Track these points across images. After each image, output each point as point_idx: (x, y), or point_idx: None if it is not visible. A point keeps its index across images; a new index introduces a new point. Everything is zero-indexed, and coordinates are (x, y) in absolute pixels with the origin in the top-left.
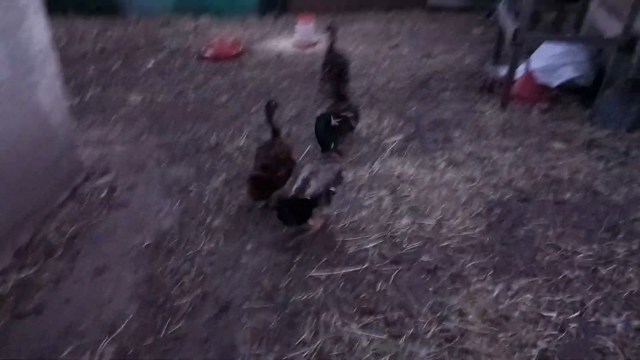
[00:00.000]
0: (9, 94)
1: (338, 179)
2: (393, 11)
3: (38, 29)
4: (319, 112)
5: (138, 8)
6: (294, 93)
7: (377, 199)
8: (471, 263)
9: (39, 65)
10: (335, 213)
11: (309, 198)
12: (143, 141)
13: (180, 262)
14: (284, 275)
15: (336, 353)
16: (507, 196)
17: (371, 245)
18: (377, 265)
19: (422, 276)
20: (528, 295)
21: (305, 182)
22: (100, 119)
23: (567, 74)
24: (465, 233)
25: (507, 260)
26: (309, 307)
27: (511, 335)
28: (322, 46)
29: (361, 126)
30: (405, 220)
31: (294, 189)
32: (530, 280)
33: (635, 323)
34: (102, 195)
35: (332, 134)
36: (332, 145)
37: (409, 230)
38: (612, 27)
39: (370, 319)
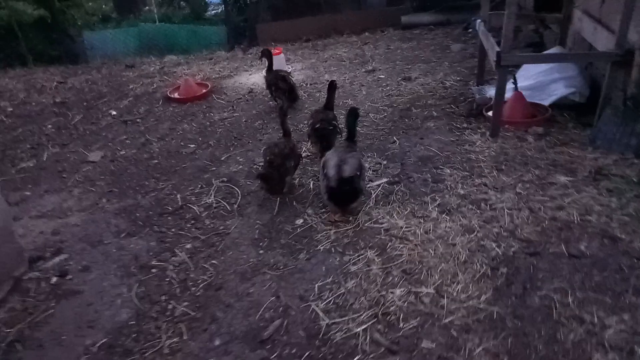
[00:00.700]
0: None
1: (362, 168)
2: (366, 33)
3: None
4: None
5: (101, 53)
6: (267, 136)
7: (364, 262)
8: (480, 347)
9: None
10: (316, 286)
11: (355, 179)
12: (102, 207)
13: None
14: None
15: None
16: (513, 249)
17: (361, 328)
18: (371, 356)
19: None
20: None
21: (339, 168)
22: (56, 183)
23: (559, 90)
24: (469, 303)
25: (523, 341)
26: None
27: None
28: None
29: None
30: (399, 291)
31: (332, 175)
32: None
33: None
34: (52, 282)
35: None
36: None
37: (405, 304)
38: (601, 39)
39: None
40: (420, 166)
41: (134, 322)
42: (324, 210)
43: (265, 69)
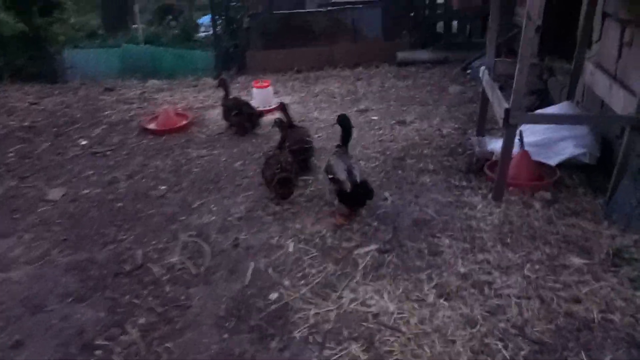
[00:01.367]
0: None
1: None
2: (360, 67)
3: None
4: (276, 208)
5: (81, 73)
6: (247, 181)
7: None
8: None
9: None
10: None
11: (367, 183)
12: (53, 260)
13: None
14: None
15: None
16: (523, 352)
17: None
18: None
19: None
20: None
21: (350, 172)
22: (5, 226)
23: (567, 150)
24: None
25: None
26: None
27: None
28: None
29: (324, 230)
30: None
31: (344, 179)
32: None
33: None
34: None
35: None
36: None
37: None
38: (618, 99)
39: None
40: (415, 232)
41: None
42: (303, 282)
43: (223, 97)
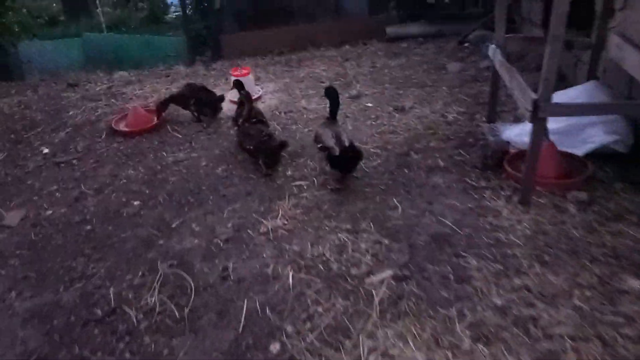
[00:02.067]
0: None
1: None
2: (346, 46)
3: None
4: (268, 225)
5: (39, 68)
6: (233, 190)
7: None
8: None
9: None
10: None
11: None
12: (9, 306)
13: None
14: None
15: None
16: None
17: None
18: None
19: None
20: None
21: (338, 139)
22: None
23: (597, 137)
24: None
25: None
26: None
27: None
28: (265, 101)
29: (326, 251)
30: None
31: (332, 146)
32: None
33: None
34: None
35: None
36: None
37: None
38: None
39: None
40: (435, 251)
41: None
42: (308, 325)
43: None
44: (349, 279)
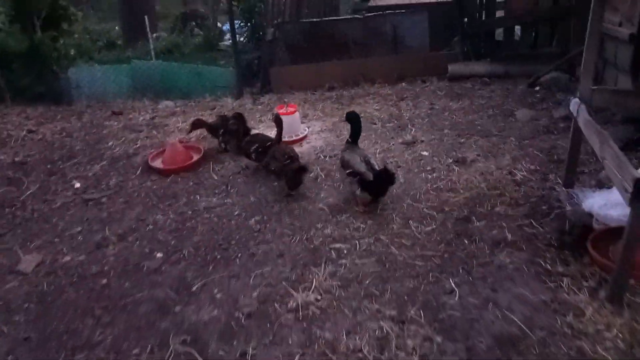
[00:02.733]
0: None
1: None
2: (403, 83)
3: None
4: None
5: (87, 94)
6: (264, 248)
7: None
8: None
9: None
10: None
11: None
12: None
13: None
14: None
15: None
16: None
17: None
18: None
19: None
20: None
21: (368, 163)
22: None
23: None
24: None
25: None
26: None
27: None
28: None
29: (364, 344)
30: None
31: (364, 171)
32: None
33: None
34: None
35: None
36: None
37: None
38: None
39: None
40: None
41: None
42: None
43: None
44: None
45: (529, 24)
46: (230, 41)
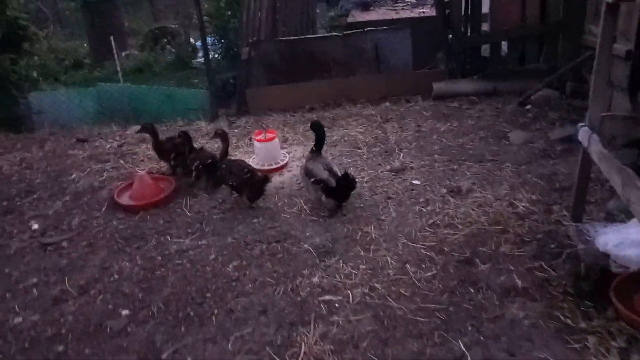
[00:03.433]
0: None
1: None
2: (387, 103)
3: None
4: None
5: (50, 119)
6: (244, 302)
7: None
8: None
9: None
10: None
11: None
12: None
13: None
14: None
15: None
16: None
17: None
18: None
19: None
20: None
21: (330, 170)
22: None
23: None
24: None
25: None
26: None
27: None
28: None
29: None
30: None
31: (326, 178)
32: None
33: None
34: None
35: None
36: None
37: None
38: None
39: None
40: None
41: None
42: None
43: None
44: None
45: (517, 39)
46: (203, 59)
